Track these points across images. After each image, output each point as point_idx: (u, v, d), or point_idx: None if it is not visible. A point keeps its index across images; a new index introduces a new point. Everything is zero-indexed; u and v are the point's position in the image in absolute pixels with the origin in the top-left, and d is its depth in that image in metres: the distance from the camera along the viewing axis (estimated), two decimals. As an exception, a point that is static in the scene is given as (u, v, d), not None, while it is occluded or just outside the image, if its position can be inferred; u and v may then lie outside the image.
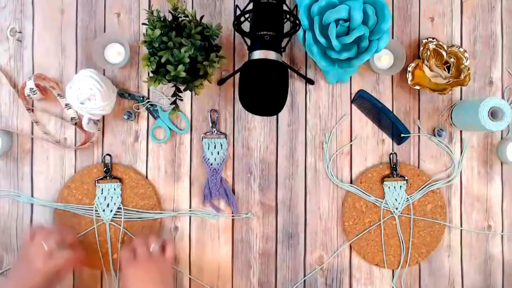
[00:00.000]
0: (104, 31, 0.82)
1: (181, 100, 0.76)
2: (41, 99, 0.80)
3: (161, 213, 0.81)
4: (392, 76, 0.85)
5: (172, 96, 0.72)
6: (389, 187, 0.82)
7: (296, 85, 0.84)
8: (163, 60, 0.66)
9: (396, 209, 0.83)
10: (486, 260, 0.85)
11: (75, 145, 0.81)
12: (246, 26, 0.73)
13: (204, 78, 0.71)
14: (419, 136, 0.85)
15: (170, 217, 0.81)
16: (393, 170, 0.83)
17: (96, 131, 0.79)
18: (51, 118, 0.81)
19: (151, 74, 0.70)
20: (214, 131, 0.82)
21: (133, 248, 0.72)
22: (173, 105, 0.73)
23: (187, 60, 0.66)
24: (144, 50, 0.70)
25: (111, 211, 0.79)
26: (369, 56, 0.73)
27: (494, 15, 0.87)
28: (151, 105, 0.81)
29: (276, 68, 0.67)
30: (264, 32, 0.68)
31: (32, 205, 0.80)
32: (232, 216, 0.82)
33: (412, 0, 0.86)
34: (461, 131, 0.85)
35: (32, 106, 0.81)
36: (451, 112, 0.85)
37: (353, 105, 0.84)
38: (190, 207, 0.82)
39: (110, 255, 0.79)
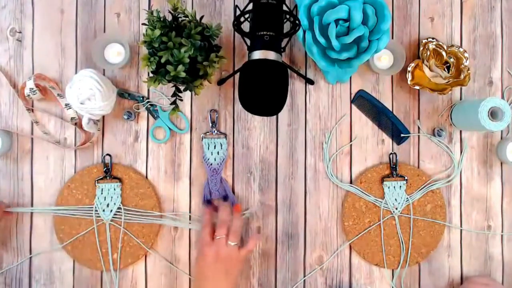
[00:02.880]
0: (104, 31, 0.82)
1: (181, 100, 0.76)
2: (41, 99, 0.80)
3: (160, 216, 0.81)
4: (392, 76, 0.85)
5: (172, 96, 0.72)
6: (389, 187, 0.82)
7: (296, 85, 0.84)
8: (163, 60, 0.66)
9: (396, 209, 0.83)
10: (486, 260, 0.85)
11: (75, 145, 0.81)
12: (246, 26, 0.73)
13: (204, 78, 0.71)
14: (419, 136, 0.85)
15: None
16: (393, 170, 0.83)
17: (96, 131, 0.79)
18: (51, 118, 0.81)
19: (151, 74, 0.70)
20: (214, 131, 0.82)
21: (213, 230, 0.75)
22: (173, 105, 0.73)
23: (187, 60, 0.66)
24: (144, 50, 0.70)
25: (111, 211, 0.79)
26: (369, 56, 0.73)
27: (494, 15, 0.87)
28: (151, 105, 0.81)
29: (276, 68, 0.67)
30: (264, 32, 0.68)
31: (32, 204, 0.80)
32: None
33: (412, 0, 0.86)
34: (461, 131, 0.85)
35: (32, 106, 0.81)
36: (451, 112, 0.85)
37: (353, 105, 0.84)
38: (190, 207, 0.82)
39: (110, 255, 0.79)
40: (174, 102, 0.73)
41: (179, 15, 0.70)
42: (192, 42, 0.67)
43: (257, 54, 0.67)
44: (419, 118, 0.85)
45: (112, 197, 0.80)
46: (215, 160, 0.81)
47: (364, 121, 0.84)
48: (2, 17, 0.82)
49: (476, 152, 0.86)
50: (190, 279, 0.81)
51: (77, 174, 0.80)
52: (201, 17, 0.72)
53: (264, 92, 0.67)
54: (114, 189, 0.80)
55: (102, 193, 0.80)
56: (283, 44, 0.72)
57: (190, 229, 0.81)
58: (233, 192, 0.82)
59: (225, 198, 0.81)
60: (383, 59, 0.82)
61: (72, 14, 0.82)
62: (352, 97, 0.84)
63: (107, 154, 0.81)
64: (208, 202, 0.80)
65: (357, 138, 0.84)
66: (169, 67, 0.66)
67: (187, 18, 0.70)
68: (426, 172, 0.84)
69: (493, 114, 0.77)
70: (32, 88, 0.77)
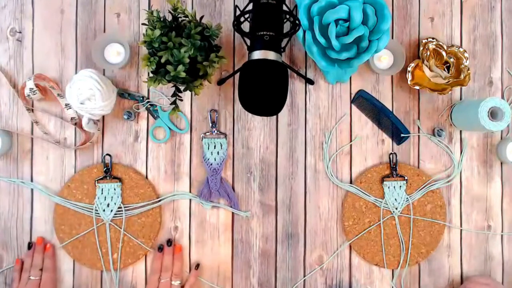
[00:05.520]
0: (104, 31, 0.82)
1: (181, 100, 0.76)
2: (41, 99, 0.80)
3: (159, 200, 0.81)
4: (392, 76, 0.85)
5: (172, 96, 0.72)
6: (388, 187, 0.82)
7: (296, 85, 0.84)
8: (163, 60, 0.66)
9: (396, 209, 0.83)
10: (486, 260, 0.85)
11: (75, 145, 0.81)
12: (246, 26, 0.73)
13: (204, 78, 0.71)
14: (419, 136, 0.85)
15: (170, 217, 0.81)
16: (393, 170, 0.83)
17: (96, 131, 0.79)
18: (51, 118, 0.81)
19: (151, 74, 0.70)
20: (214, 131, 0.82)
21: (159, 278, 0.78)
22: (173, 105, 0.73)
23: (187, 60, 0.66)
24: (144, 50, 0.70)
25: (111, 211, 0.79)
26: (369, 56, 0.73)
27: (494, 15, 0.87)
28: (151, 105, 0.81)
29: (275, 68, 0.67)
30: (264, 32, 0.68)
31: (32, 204, 0.80)
32: (232, 209, 0.82)
33: (412, 0, 0.86)
34: (461, 131, 0.85)
35: (32, 106, 0.81)
36: (451, 112, 0.85)
37: (353, 105, 0.84)
38: (190, 207, 0.82)
39: (110, 255, 0.79)
40: (174, 102, 0.73)
41: (179, 15, 0.70)
42: (192, 42, 0.67)
43: (257, 54, 0.67)
44: (419, 118, 0.85)
45: (112, 197, 0.80)
46: (215, 160, 0.81)
47: (364, 121, 0.84)
48: (2, 17, 0.82)
49: (476, 152, 0.86)
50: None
51: (77, 174, 0.80)
52: (201, 17, 0.72)
53: (264, 92, 0.67)
54: (114, 189, 0.80)
55: (102, 193, 0.80)
56: (283, 44, 0.72)
57: (190, 230, 0.81)
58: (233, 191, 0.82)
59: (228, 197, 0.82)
60: (383, 59, 0.82)
61: (72, 14, 0.82)
62: (352, 97, 0.84)
63: (107, 154, 0.81)
64: (159, 249, 0.80)
65: (357, 138, 0.84)
66: (169, 67, 0.66)
67: (187, 18, 0.70)
68: (426, 172, 0.84)
69: (493, 114, 0.77)
70: (32, 88, 0.77)
